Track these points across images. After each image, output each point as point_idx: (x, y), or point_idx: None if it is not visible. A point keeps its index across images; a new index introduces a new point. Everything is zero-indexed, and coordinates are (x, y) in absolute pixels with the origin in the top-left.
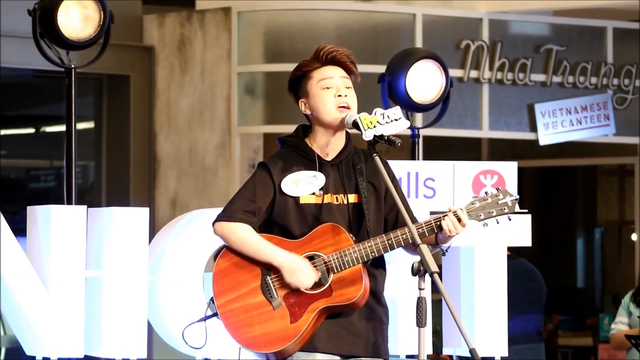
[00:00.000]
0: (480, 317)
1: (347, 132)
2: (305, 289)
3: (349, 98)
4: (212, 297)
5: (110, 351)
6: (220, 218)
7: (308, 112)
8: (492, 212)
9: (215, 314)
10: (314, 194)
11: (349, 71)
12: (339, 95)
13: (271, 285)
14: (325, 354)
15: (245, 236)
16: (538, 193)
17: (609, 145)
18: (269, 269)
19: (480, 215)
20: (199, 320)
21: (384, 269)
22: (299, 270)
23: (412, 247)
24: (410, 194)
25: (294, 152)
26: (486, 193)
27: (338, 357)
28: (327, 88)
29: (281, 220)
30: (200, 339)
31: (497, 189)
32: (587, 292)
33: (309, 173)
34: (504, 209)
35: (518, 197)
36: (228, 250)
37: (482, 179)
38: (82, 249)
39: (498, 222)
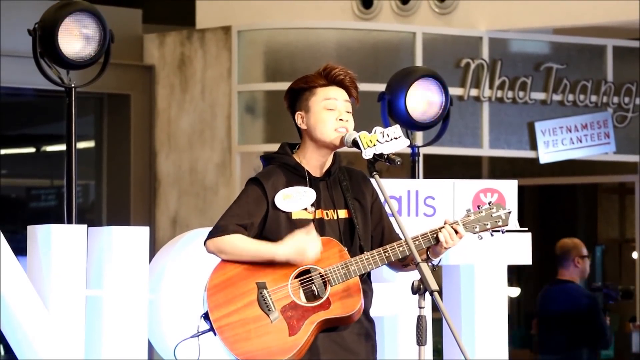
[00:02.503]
0: (481, 335)
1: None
2: (305, 302)
3: (349, 124)
4: (206, 312)
5: None
6: (212, 235)
7: (304, 127)
8: (487, 224)
9: (210, 329)
10: (306, 209)
11: (351, 95)
12: (340, 119)
13: (268, 298)
14: None
15: (240, 243)
16: (538, 211)
17: (610, 164)
18: (264, 282)
19: (476, 228)
20: (192, 337)
21: (371, 285)
22: (307, 249)
23: (400, 265)
24: (411, 212)
25: (283, 168)
26: (478, 207)
27: None
28: (330, 110)
29: (272, 235)
30: (193, 356)
31: (489, 203)
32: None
33: (300, 189)
34: (498, 221)
35: (511, 210)
36: (221, 266)
37: (483, 197)
38: (82, 268)
39: (492, 235)
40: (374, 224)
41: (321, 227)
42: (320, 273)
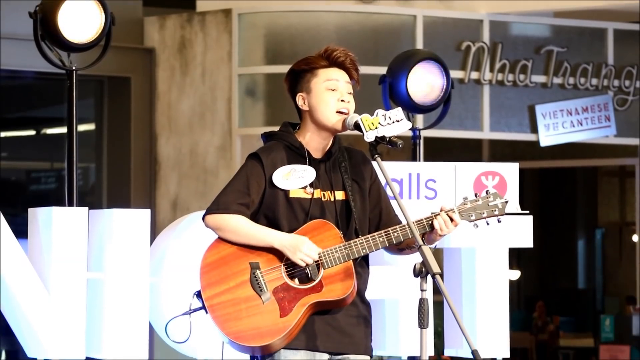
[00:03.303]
0: (482, 318)
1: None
2: (298, 284)
3: (350, 105)
4: (199, 291)
5: (111, 353)
6: (213, 210)
7: (305, 108)
8: (483, 213)
9: (201, 307)
10: (304, 188)
11: (352, 77)
12: (342, 100)
13: (261, 279)
14: (313, 352)
15: (241, 225)
16: (539, 194)
17: (610, 147)
18: (257, 263)
19: (472, 216)
20: (184, 314)
21: (368, 268)
22: (303, 246)
23: (395, 248)
24: (412, 195)
25: (283, 146)
26: (476, 195)
27: (325, 355)
28: (332, 90)
29: (270, 212)
30: (183, 333)
31: (487, 192)
32: (588, 293)
33: (299, 167)
34: (495, 210)
35: (508, 200)
36: (215, 244)
37: (484, 180)
38: (83, 250)
39: (488, 224)
40: (372, 206)
41: (319, 207)
42: None
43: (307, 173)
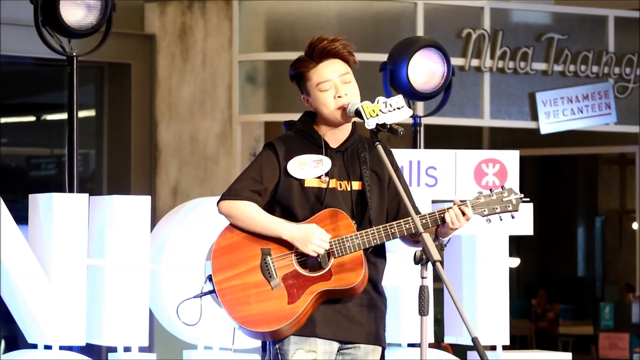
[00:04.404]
0: (482, 306)
1: (353, 121)
2: (307, 271)
3: (349, 95)
4: (210, 275)
5: (111, 339)
6: (225, 197)
7: (311, 108)
8: (496, 208)
9: (212, 291)
10: (319, 178)
11: (347, 60)
12: (339, 97)
13: (271, 265)
14: (322, 339)
15: (252, 213)
16: (539, 182)
17: (610, 134)
18: (269, 249)
19: (485, 211)
20: (195, 297)
21: (384, 258)
22: (313, 237)
23: (411, 239)
24: (412, 183)
25: (301, 135)
26: (491, 190)
27: (335, 343)
28: (326, 90)
29: (285, 201)
30: (194, 316)
31: (502, 187)
32: (587, 281)
33: (315, 157)
34: (508, 206)
35: (522, 196)
36: (229, 228)
37: (484, 168)
38: (83, 237)
39: (501, 219)
40: (391, 197)
41: (334, 197)
42: None
43: (323, 163)
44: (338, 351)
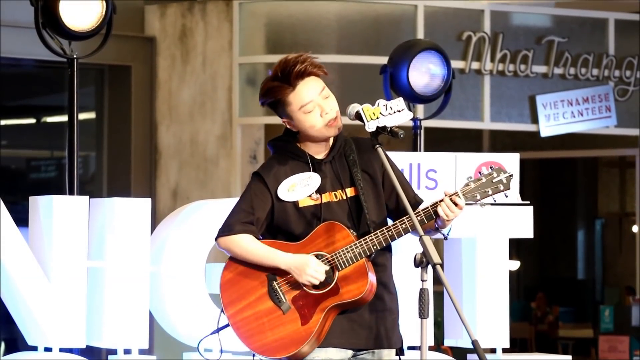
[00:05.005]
0: (482, 308)
1: None
2: (314, 290)
3: (333, 109)
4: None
5: (111, 342)
6: (221, 234)
7: (295, 130)
8: (488, 191)
9: (227, 325)
10: (310, 196)
11: (317, 75)
12: (326, 114)
13: (278, 290)
14: (338, 349)
15: (248, 246)
16: (539, 185)
17: (610, 137)
18: (274, 274)
19: (477, 196)
20: (212, 333)
21: (390, 256)
22: (307, 268)
23: (429, 226)
24: (413, 186)
25: (285, 155)
26: (480, 173)
27: (349, 351)
28: (310, 112)
29: (283, 225)
30: (215, 351)
31: (491, 167)
32: (587, 284)
33: (303, 175)
34: (500, 186)
35: (512, 173)
36: (231, 261)
37: (484, 171)
38: (84, 239)
39: (495, 201)
40: (388, 192)
41: (331, 210)
42: (327, 259)
43: (312, 180)
44: (353, 357)
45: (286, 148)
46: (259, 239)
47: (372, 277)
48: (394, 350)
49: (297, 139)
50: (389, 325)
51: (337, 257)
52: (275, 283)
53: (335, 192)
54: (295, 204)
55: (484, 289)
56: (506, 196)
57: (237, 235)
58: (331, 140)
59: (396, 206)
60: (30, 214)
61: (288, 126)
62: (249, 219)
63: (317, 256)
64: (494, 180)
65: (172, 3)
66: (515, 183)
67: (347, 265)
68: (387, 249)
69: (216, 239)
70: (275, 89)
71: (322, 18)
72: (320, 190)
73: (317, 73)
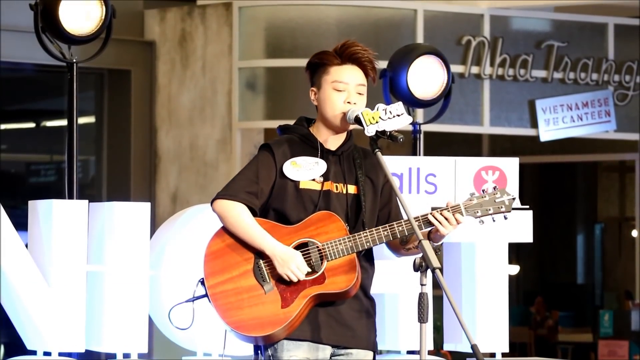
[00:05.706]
0: (481, 313)
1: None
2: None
3: (357, 106)
4: (202, 279)
5: (111, 346)
6: (221, 196)
7: (315, 102)
8: (489, 209)
9: (204, 295)
10: (314, 179)
11: (367, 74)
12: (348, 102)
13: (264, 269)
14: (316, 344)
15: (244, 219)
16: (538, 189)
17: (610, 142)
18: (262, 253)
19: (478, 212)
20: (187, 301)
21: (373, 264)
22: (291, 262)
23: (398, 246)
24: (412, 190)
25: (297, 138)
26: (483, 191)
27: (328, 348)
28: (340, 91)
29: (278, 204)
30: (187, 320)
31: (495, 188)
32: (587, 288)
33: (311, 159)
34: (501, 207)
35: (515, 197)
36: (220, 232)
37: (484, 175)
38: (83, 243)
39: (494, 221)
40: (382, 204)
41: (328, 199)
42: (317, 247)
43: (318, 165)
44: (331, 357)
45: (299, 132)
46: (257, 215)
47: (360, 273)
48: (371, 353)
49: (311, 126)
50: (367, 326)
51: (328, 247)
52: (262, 261)
53: (337, 184)
54: (296, 184)
55: (484, 293)
56: (505, 218)
57: (239, 203)
58: (343, 137)
59: (387, 219)
60: (29, 218)
61: (312, 97)
62: (253, 189)
63: (307, 243)
64: (496, 200)
65: (172, 7)
66: (514, 187)
67: (337, 256)
68: (370, 257)
69: (213, 201)
70: (327, 54)
71: (321, 22)
72: (323, 177)
73: (367, 70)
